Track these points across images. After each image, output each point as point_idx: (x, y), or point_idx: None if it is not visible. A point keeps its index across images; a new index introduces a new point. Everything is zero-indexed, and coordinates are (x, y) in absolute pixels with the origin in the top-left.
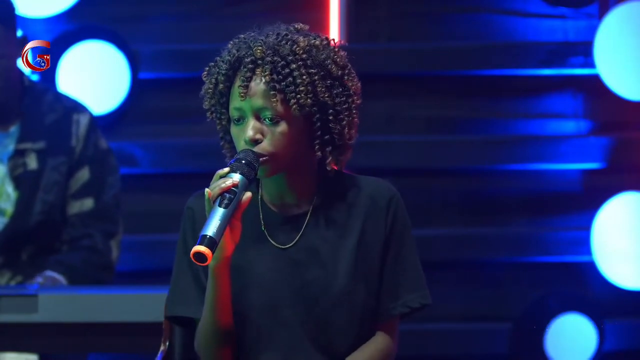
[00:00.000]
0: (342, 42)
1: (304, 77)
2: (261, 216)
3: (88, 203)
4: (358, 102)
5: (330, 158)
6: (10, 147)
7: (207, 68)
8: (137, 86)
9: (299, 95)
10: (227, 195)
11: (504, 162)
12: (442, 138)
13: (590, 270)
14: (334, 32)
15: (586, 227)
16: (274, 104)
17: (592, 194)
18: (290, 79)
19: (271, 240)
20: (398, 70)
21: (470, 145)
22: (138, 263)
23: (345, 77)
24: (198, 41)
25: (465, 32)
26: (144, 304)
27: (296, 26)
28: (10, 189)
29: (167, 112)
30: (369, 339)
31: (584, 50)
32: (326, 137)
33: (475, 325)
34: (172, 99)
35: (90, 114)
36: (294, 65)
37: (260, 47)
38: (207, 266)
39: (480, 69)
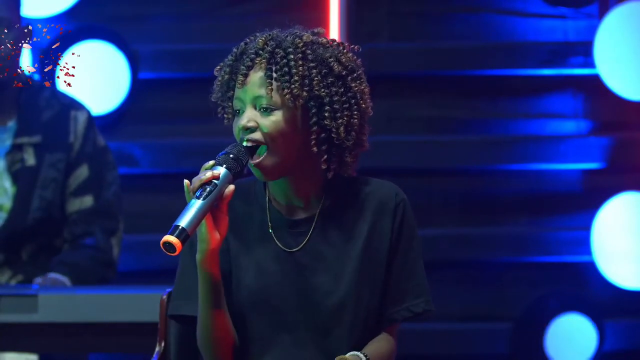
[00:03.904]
0: (357, 48)
1: (300, 68)
2: (268, 218)
3: (88, 201)
4: (363, 105)
5: (325, 157)
6: (8, 142)
7: (221, 63)
8: (137, 86)
9: (293, 86)
10: (207, 188)
11: (504, 162)
12: (442, 138)
13: (590, 270)
14: (334, 32)
15: (586, 227)
16: (269, 93)
17: (592, 194)
18: (286, 69)
19: (278, 243)
20: (398, 70)
21: (470, 145)
22: (138, 263)
23: (349, 78)
24: (198, 41)
25: (465, 32)
26: (144, 304)
27: (315, 30)
28: (7, 183)
29: (167, 112)
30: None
31: (584, 50)
32: (322, 134)
33: (475, 325)
34: (172, 99)
35: (88, 111)
36: (291, 57)
37: (263, 38)
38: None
39: (480, 69)
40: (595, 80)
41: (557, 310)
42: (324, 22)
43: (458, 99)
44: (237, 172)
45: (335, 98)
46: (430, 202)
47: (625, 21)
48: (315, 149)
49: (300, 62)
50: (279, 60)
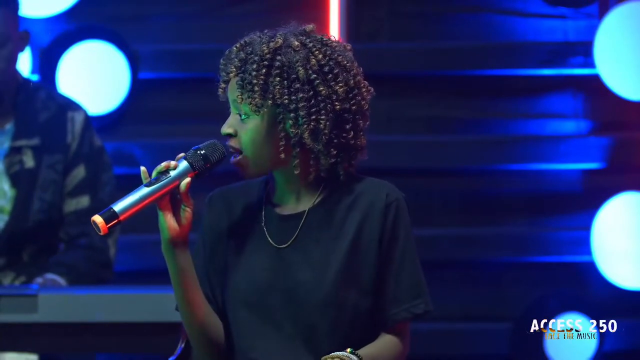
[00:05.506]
0: (348, 47)
1: (261, 77)
2: (263, 214)
3: (84, 201)
4: (338, 107)
5: (297, 161)
6: (6, 144)
7: None
8: (137, 86)
9: (255, 95)
10: (162, 177)
11: (504, 162)
12: (442, 138)
13: (590, 270)
14: (334, 32)
15: (586, 227)
16: (240, 101)
17: (592, 194)
18: (249, 78)
19: (269, 239)
20: (398, 70)
21: (470, 145)
22: (137, 263)
23: (317, 82)
24: (198, 41)
25: (465, 32)
26: (144, 304)
27: (306, 28)
28: (6, 186)
29: (167, 112)
30: (367, 341)
31: (584, 50)
32: (293, 140)
33: (475, 325)
34: (172, 99)
35: (85, 112)
36: (254, 66)
37: (238, 45)
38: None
39: (480, 69)
40: (595, 80)
41: (557, 310)
42: (324, 22)
43: (458, 99)
44: (203, 169)
45: (301, 104)
46: (430, 202)
47: (625, 21)
48: (283, 155)
49: (263, 71)
50: (247, 68)
